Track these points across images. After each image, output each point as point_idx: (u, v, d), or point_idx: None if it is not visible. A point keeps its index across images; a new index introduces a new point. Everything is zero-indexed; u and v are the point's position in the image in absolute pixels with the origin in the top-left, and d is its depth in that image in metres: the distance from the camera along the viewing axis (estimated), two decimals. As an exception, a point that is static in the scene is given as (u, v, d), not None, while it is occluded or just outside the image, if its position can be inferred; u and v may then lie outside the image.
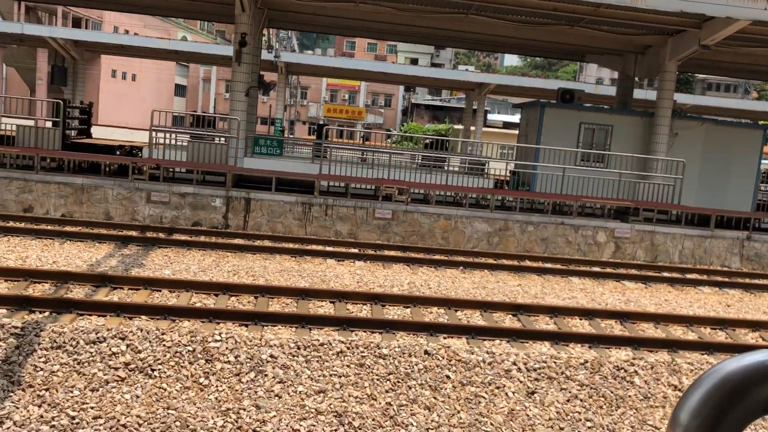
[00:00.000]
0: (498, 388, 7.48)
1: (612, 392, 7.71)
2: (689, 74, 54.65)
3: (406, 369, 7.52)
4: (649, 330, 10.27)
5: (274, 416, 6.49)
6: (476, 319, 9.80)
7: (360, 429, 6.50)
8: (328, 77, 56.65)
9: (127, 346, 7.23)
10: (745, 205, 19.14)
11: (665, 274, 14.55)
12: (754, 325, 10.81)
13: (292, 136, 43.83)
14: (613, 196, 17.40)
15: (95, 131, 24.50)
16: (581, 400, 7.50)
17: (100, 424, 6.11)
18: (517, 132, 25.04)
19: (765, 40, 17.80)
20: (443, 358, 7.79)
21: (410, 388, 7.24)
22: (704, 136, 19.25)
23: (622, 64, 21.56)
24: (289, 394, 6.87)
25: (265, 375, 7.10)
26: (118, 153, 19.24)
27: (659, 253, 16.52)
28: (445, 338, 8.75)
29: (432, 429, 6.64)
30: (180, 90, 66.50)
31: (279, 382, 7.02)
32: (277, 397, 6.80)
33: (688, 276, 14.61)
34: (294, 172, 16.89)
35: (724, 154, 19.26)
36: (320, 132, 28.60)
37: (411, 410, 6.89)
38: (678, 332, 10.33)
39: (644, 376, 8.09)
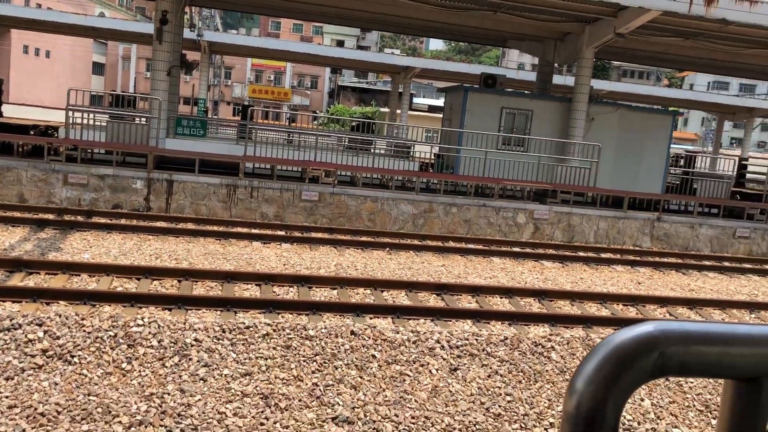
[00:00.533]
0: (422, 365, 7.67)
1: (530, 367, 8.03)
2: (606, 61, 56.50)
3: (332, 350, 7.61)
4: (565, 307, 10.70)
5: (200, 400, 6.47)
6: (401, 299, 9.98)
7: (286, 410, 6.55)
8: (252, 57, 55.58)
9: (45, 332, 7.02)
10: (656, 188, 20.07)
11: (581, 254, 15.15)
12: (662, 301, 11.43)
13: (216, 117, 42.91)
14: (532, 179, 17.92)
15: (6, 110, 23.36)
16: (501, 376, 7.78)
17: (16, 414, 5.93)
18: (441, 116, 25.35)
19: (675, 30, 18.63)
20: (369, 338, 7.92)
21: (336, 369, 7.34)
22: (619, 121, 20.01)
23: (542, 51, 22.11)
24: (214, 377, 6.85)
25: (190, 359, 7.05)
26: (32, 133, 18.43)
27: (575, 234, 17.17)
28: (371, 318, 8.88)
29: (358, 408, 6.76)
30: (98, 68, 63.85)
31: (204, 366, 6.98)
32: (202, 381, 6.76)
33: (603, 255, 15.25)
34: (218, 153, 16.62)
35: (637, 139, 20.09)
36: (245, 113, 28.15)
37: (337, 390, 6.99)
38: (593, 309, 10.81)
39: (560, 351, 8.45)
